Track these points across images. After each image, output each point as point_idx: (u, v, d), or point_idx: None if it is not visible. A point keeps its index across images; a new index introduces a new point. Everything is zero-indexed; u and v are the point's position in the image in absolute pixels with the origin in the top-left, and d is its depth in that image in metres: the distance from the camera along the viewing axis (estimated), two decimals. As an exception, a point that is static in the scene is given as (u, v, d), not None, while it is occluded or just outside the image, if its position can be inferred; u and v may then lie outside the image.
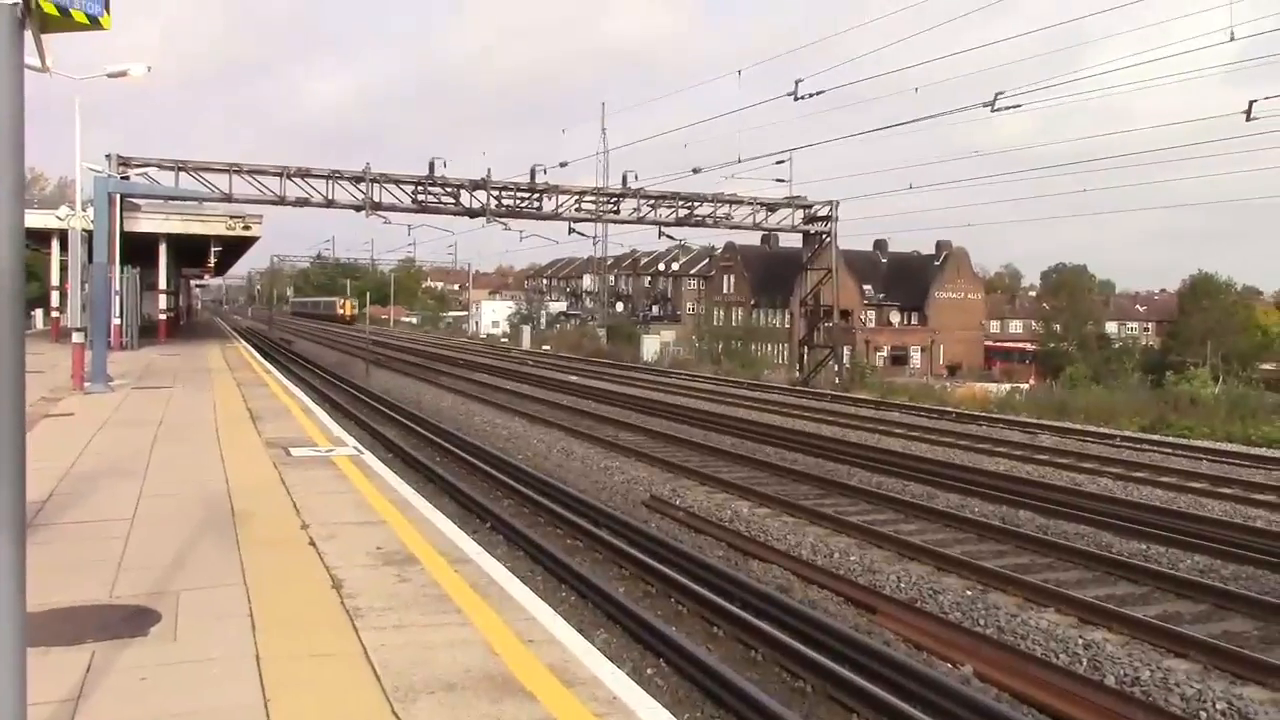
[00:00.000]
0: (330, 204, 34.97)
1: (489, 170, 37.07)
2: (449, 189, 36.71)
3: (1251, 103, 22.06)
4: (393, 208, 36.04)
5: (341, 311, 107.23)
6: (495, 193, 37.21)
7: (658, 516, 13.17)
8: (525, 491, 13.83)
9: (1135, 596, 9.88)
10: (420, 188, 36.12)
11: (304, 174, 34.52)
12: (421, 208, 36.67)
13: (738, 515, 12.99)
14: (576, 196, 38.37)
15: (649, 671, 7.62)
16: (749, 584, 9.45)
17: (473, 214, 37.25)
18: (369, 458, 10.98)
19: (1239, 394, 40.32)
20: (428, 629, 5.27)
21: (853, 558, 10.97)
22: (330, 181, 34.96)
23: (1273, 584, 10.22)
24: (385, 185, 35.53)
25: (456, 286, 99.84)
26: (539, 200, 37.69)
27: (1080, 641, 8.17)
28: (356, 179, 35.18)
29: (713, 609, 8.86)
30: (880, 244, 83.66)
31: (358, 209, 35.41)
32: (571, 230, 40.47)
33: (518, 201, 37.58)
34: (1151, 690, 7.18)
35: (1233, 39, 19.73)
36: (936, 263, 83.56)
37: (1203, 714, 6.81)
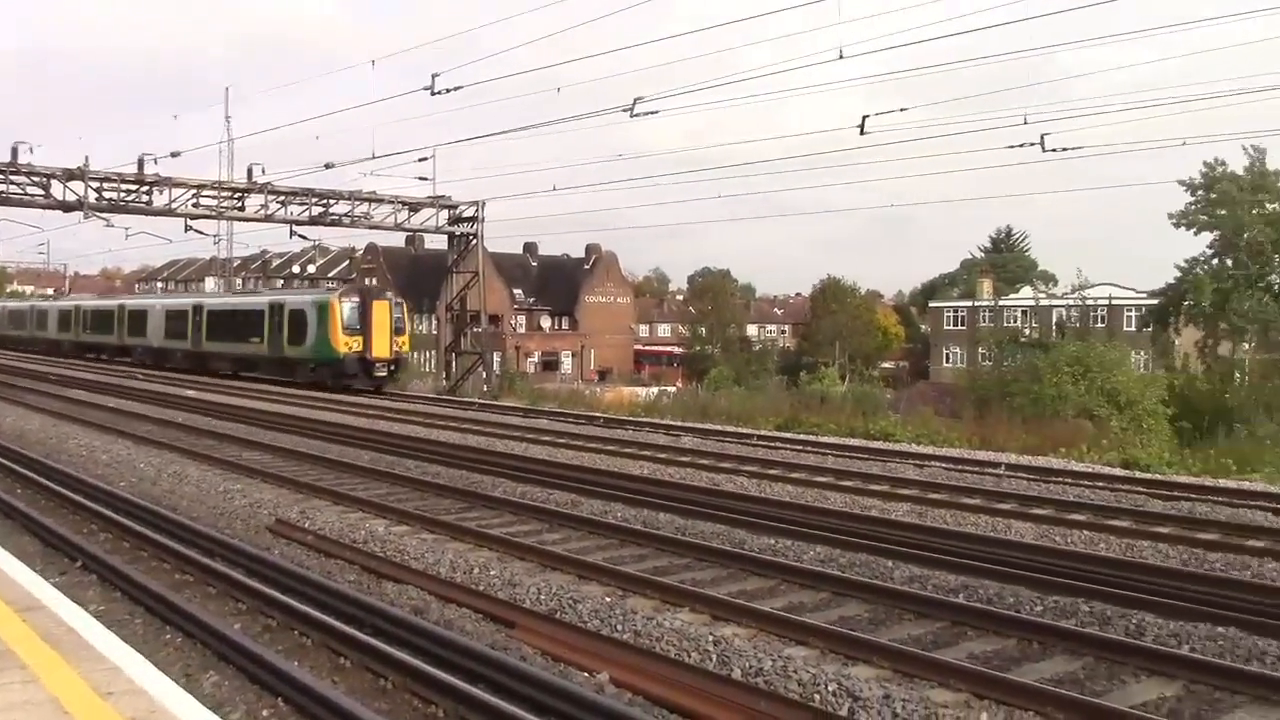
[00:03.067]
0: None
1: (86, 158, 33.53)
2: (36, 178, 32.84)
3: (865, 117, 24.04)
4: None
5: None
6: (95, 184, 33.65)
7: (283, 542, 12.24)
8: (127, 523, 12.43)
9: (764, 590, 10.24)
10: (1, 176, 32.15)
11: None
12: (2, 200, 32.63)
13: (373, 535, 12.34)
14: (194, 190, 35.54)
15: (265, 713, 6.94)
16: (380, 608, 8.90)
17: (67, 208, 33.61)
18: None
19: (861, 391, 44.08)
20: (-27, 697, 4.39)
21: (493, 572, 10.66)
22: None
23: (882, 569, 10.94)
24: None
25: (51, 291, 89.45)
26: (149, 193, 34.52)
27: (711, 638, 8.29)
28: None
29: (340, 638, 8.26)
30: (530, 246, 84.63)
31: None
32: (189, 228, 37.35)
33: (122, 195, 34.21)
34: (773, 679, 7.38)
35: (841, 57, 21.34)
36: (586, 266, 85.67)
37: (816, 696, 7.05)
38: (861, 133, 23.81)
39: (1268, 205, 30.79)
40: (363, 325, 36.00)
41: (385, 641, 7.99)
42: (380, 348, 36.14)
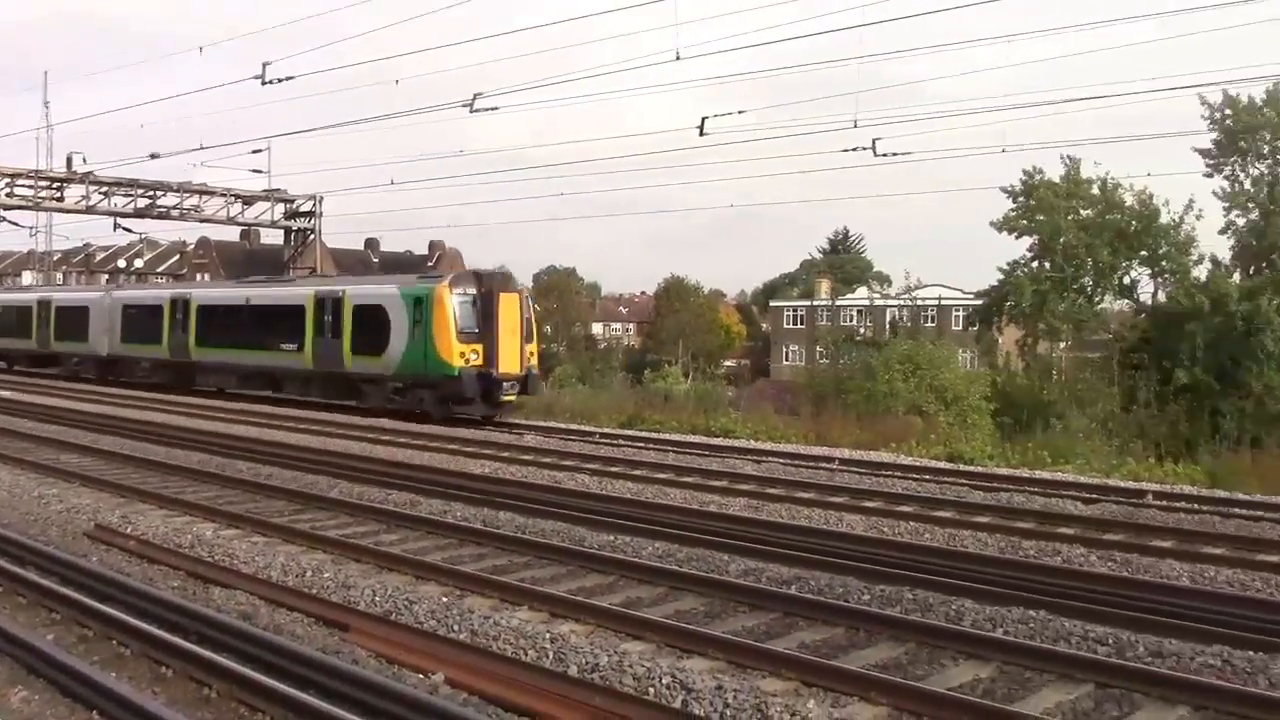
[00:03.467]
0: None
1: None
2: None
3: (704, 119, 24.37)
4: None
5: None
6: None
7: (102, 548, 11.67)
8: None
9: (603, 587, 10.30)
10: None
11: None
12: None
13: (200, 539, 11.87)
14: (8, 179, 33.62)
15: (80, 729, 6.61)
16: (205, 614, 8.57)
17: None
18: None
19: (704, 389, 44.71)
20: None
21: (327, 574, 10.41)
22: None
23: (719, 563, 11.15)
24: None
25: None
26: (-48, 182, 32.48)
27: (548, 636, 8.30)
28: None
29: (162, 647, 7.92)
30: (372, 242, 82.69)
31: None
32: (2, 219, 35.25)
33: (-79, 183, 32.09)
34: (609, 674, 7.43)
35: (678, 58, 21.60)
36: (430, 263, 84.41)
37: (651, 690, 7.14)
38: (701, 134, 24.15)
39: (1081, 211, 32.57)
40: (484, 328, 25.85)
41: (210, 649, 7.71)
42: (509, 360, 25.74)
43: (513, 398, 26.42)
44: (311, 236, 39.41)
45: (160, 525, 12.62)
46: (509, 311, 26.17)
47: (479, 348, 25.57)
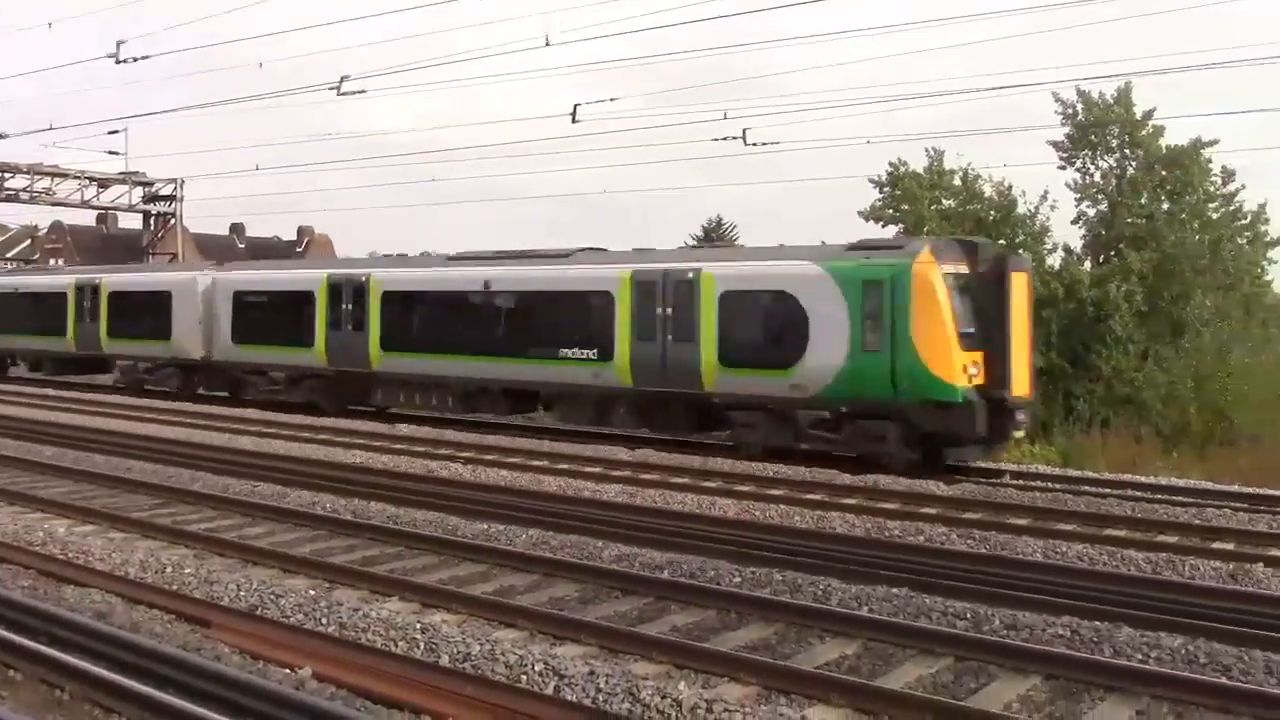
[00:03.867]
0: None
1: None
2: None
3: (576, 105, 24.30)
4: None
5: None
6: None
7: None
8: None
9: (476, 575, 10.26)
10: None
11: None
12: None
13: (52, 536, 11.36)
14: None
15: (-85, 740, 6.27)
16: (56, 614, 8.21)
17: None
18: None
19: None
20: None
21: (189, 570, 10.07)
22: None
23: (593, 549, 11.19)
24: None
25: None
26: None
27: (419, 626, 8.21)
28: None
29: (10, 649, 7.57)
30: (237, 227, 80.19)
31: None
32: None
33: None
34: (480, 663, 7.39)
35: (548, 44, 21.51)
36: (299, 249, 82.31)
37: (523, 677, 7.12)
38: (573, 120, 24.11)
39: (944, 201, 33.58)
40: (986, 329, 17.16)
41: (62, 650, 7.40)
42: (1021, 379, 17.12)
43: (1022, 433, 18.75)
44: (172, 221, 38.02)
45: (8, 523, 12.02)
46: (1019, 303, 17.31)
47: (979, 358, 16.98)
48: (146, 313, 29.36)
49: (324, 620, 8.55)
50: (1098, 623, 8.48)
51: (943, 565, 10.42)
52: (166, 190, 37.62)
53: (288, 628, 8.34)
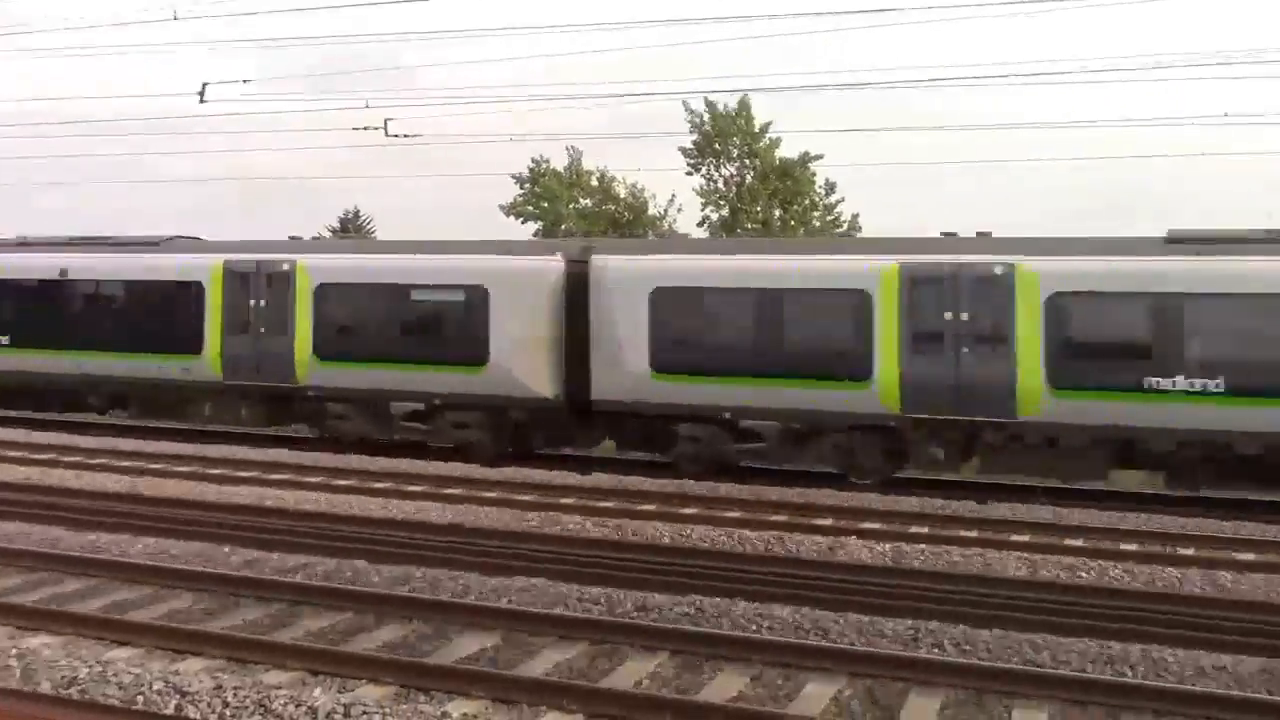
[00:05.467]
0: None
1: None
2: None
3: (205, 85, 22.70)
4: None
5: None
6: None
7: None
8: None
9: (84, 592, 9.38)
10: None
11: None
12: None
13: None
14: None
15: None
16: None
17: None
18: None
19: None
20: None
21: None
22: None
23: (219, 556, 10.58)
24: None
25: None
26: None
27: (14, 652, 7.38)
28: None
29: None
30: None
31: None
32: None
33: None
34: (90, 686, 6.76)
35: (176, 18, 20.06)
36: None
37: (140, 698, 6.60)
38: (201, 100, 22.58)
39: (581, 200, 34.60)
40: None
41: None
42: None
43: None
44: None
45: None
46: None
47: None
48: None
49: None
50: (718, 599, 9.10)
51: (579, 554, 10.77)
52: None
53: None
